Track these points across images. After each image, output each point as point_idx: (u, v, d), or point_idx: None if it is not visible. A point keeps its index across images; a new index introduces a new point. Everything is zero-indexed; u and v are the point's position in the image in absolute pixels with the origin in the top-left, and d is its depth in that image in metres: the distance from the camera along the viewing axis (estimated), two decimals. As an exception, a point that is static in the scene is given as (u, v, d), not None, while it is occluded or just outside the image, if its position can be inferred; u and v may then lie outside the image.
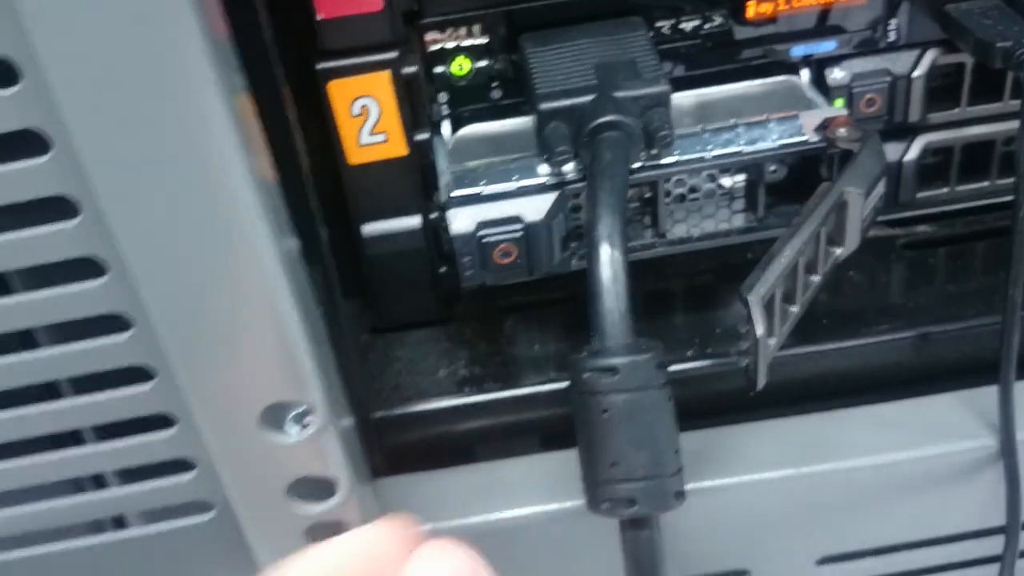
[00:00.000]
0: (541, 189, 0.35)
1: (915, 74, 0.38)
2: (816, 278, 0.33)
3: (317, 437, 0.25)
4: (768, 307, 0.30)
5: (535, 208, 0.35)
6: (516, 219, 0.35)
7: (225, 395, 0.25)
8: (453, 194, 0.35)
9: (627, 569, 0.30)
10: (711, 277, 0.43)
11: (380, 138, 0.36)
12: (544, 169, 0.35)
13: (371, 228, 0.38)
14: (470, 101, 0.38)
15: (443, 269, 0.41)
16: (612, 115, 0.32)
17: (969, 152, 0.40)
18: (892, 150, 0.40)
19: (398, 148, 0.36)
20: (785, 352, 0.38)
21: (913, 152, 0.40)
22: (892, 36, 0.38)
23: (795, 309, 0.32)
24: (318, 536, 0.28)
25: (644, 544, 0.30)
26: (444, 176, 0.36)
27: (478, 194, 0.35)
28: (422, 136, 0.37)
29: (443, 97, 0.37)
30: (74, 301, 0.24)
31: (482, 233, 0.35)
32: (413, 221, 0.38)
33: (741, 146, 0.35)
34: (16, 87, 0.21)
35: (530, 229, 0.35)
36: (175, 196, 0.22)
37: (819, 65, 0.38)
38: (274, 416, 0.25)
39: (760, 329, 0.30)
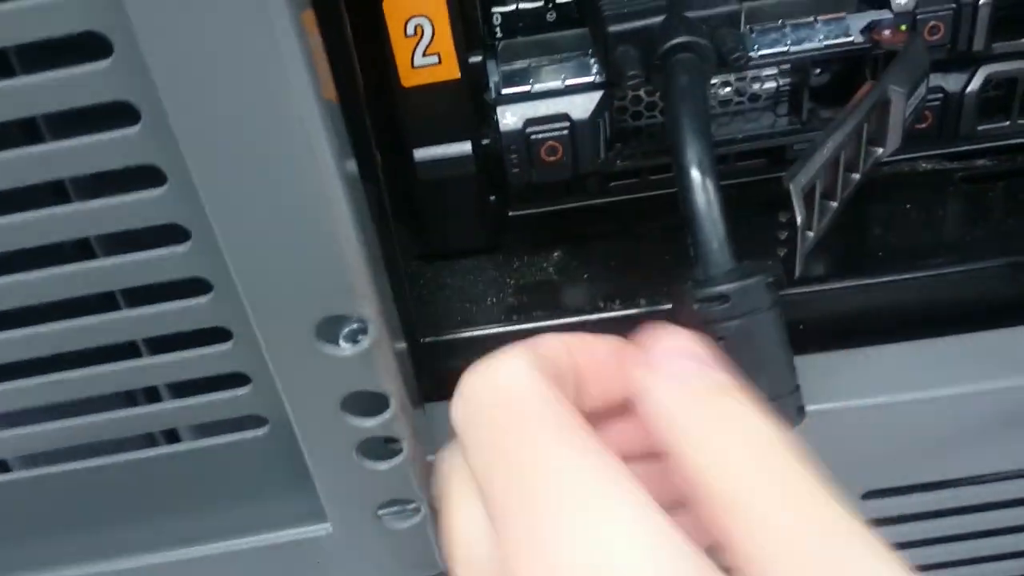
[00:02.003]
0: (588, 88, 0.36)
1: (981, 1, 0.37)
2: (856, 176, 0.33)
3: (371, 352, 0.25)
4: (808, 199, 0.30)
5: (582, 106, 0.36)
6: (563, 116, 0.36)
7: (282, 306, 0.25)
8: (503, 91, 0.36)
9: None
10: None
11: (433, 60, 0.36)
12: (592, 68, 0.35)
13: (423, 153, 0.38)
14: (525, 23, 0.37)
15: (493, 197, 0.41)
16: (685, 36, 0.31)
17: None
18: (954, 80, 0.39)
19: (450, 71, 0.36)
20: (838, 285, 0.38)
21: (975, 83, 0.39)
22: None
23: (834, 204, 0.32)
24: (369, 452, 0.28)
25: None
26: (494, 75, 0.36)
27: (527, 92, 0.36)
28: (475, 59, 0.36)
29: (497, 19, 0.37)
30: (134, 210, 0.24)
31: (530, 130, 0.36)
32: (464, 147, 0.38)
33: (788, 46, 0.35)
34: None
35: (577, 126, 0.36)
36: (241, 108, 0.21)
37: (884, -11, 0.37)
38: (329, 329, 0.25)
39: (800, 217, 0.30)
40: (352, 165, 0.25)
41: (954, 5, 0.37)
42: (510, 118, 0.36)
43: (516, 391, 0.23)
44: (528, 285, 0.41)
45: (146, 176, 0.24)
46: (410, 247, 0.42)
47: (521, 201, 0.43)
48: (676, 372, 0.24)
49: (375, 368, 0.26)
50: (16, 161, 0.24)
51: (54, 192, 0.25)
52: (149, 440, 0.32)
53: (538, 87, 0.36)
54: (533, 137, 0.36)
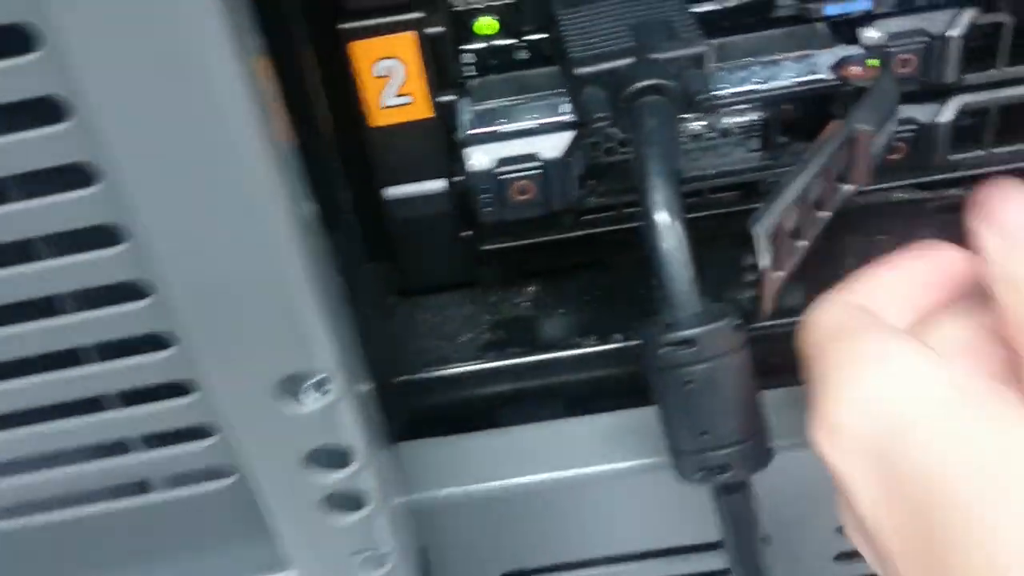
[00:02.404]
0: (560, 127, 0.35)
1: (952, 33, 0.37)
2: (825, 214, 0.33)
3: (333, 407, 0.25)
4: (775, 240, 0.30)
5: (553, 145, 0.35)
6: (534, 156, 0.35)
7: (240, 365, 0.24)
8: (472, 131, 0.35)
9: (726, 531, 0.31)
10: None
11: (405, 100, 0.36)
12: (563, 107, 0.35)
13: (395, 191, 0.38)
14: (496, 61, 0.37)
15: (467, 232, 0.41)
16: (651, 79, 0.31)
17: (1006, 114, 0.39)
18: (926, 111, 0.39)
19: (423, 110, 0.36)
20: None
21: (948, 113, 0.39)
22: (925, -6, 0.36)
23: (803, 244, 0.32)
24: (336, 503, 0.28)
25: (741, 505, 0.31)
26: (464, 113, 0.36)
27: (496, 132, 0.35)
28: (447, 98, 0.36)
29: (468, 58, 0.37)
30: (93, 269, 0.24)
31: (500, 170, 0.35)
32: (437, 184, 0.38)
33: (757, 84, 0.35)
34: (36, 54, 0.20)
35: (548, 166, 0.36)
36: (189, 161, 0.21)
37: (854, 24, 0.37)
38: (290, 385, 0.25)
39: (765, 261, 0.30)
40: (309, 208, 0.25)
41: (925, 38, 0.37)
42: (480, 158, 0.36)
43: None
44: (503, 321, 0.40)
45: (103, 235, 0.24)
46: (385, 283, 0.42)
47: (495, 235, 0.42)
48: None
49: (337, 423, 0.25)
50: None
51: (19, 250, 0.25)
52: (115, 491, 0.32)
53: (508, 127, 0.35)
54: (503, 177, 0.36)
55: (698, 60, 0.32)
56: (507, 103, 0.36)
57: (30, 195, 0.24)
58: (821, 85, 0.35)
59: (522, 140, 0.36)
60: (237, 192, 0.22)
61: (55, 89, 0.21)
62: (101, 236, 0.24)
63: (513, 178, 0.36)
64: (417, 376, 0.39)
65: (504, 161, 0.36)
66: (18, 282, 0.25)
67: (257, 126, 0.21)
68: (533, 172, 0.36)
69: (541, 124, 0.35)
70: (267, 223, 0.22)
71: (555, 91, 0.36)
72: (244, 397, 0.25)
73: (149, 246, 0.23)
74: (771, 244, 0.30)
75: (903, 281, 0.30)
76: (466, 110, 0.36)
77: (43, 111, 0.22)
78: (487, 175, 0.36)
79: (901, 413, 0.25)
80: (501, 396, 0.40)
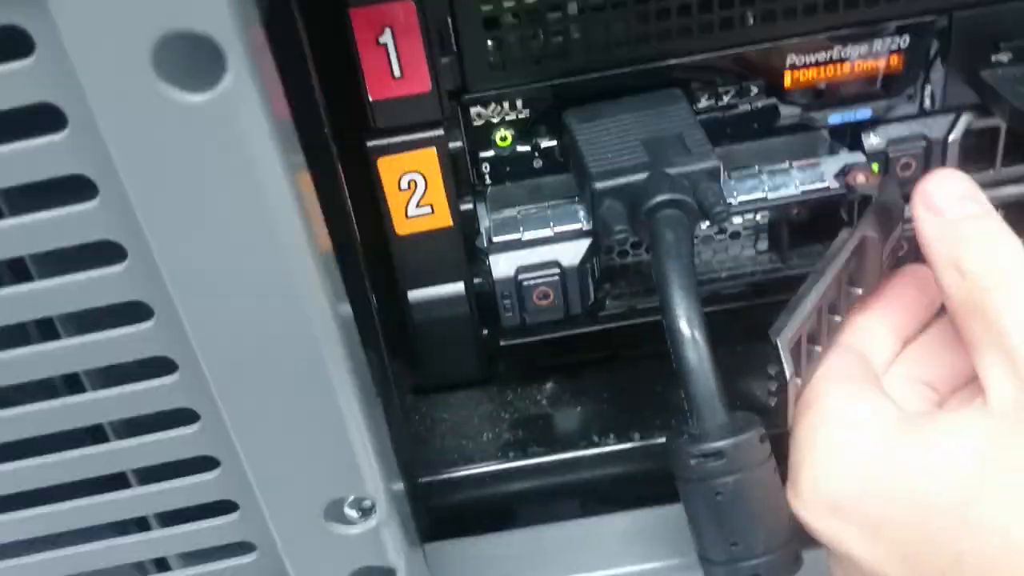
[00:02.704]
0: (577, 235, 0.37)
1: (950, 138, 0.39)
2: (838, 318, 0.34)
3: (378, 529, 0.26)
4: (795, 349, 0.31)
5: (571, 252, 0.37)
6: (554, 263, 0.37)
7: (290, 489, 0.25)
8: (495, 240, 0.37)
9: None
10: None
11: (426, 210, 0.37)
12: (579, 214, 0.37)
13: (417, 295, 0.39)
14: (513, 171, 0.38)
15: (485, 331, 0.42)
16: (668, 193, 0.33)
17: (1004, 211, 0.40)
18: (928, 211, 0.40)
19: (443, 219, 0.37)
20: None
21: (949, 212, 0.40)
22: (927, 102, 0.38)
23: (819, 348, 0.33)
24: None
25: None
26: (484, 221, 0.38)
27: (518, 240, 0.37)
28: (466, 206, 0.38)
29: (486, 168, 0.38)
30: (146, 397, 0.25)
31: (522, 277, 0.37)
32: (457, 287, 0.39)
33: (765, 192, 0.37)
34: (64, 132, 0.21)
35: (567, 273, 0.37)
36: (240, 278, 0.22)
37: (856, 130, 0.39)
38: (336, 507, 0.26)
39: (789, 370, 0.31)
40: (346, 310, 0.26)
41: (924, 143, 0.38)
42: (503, 266, 0.37)
43: None
44: (522, 419, 0.41)
45: (157, 365, 0.25)
46: (405, 381, 0.43)
47: (512, 332, 0.43)
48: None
49: (383, 544, 0.26)
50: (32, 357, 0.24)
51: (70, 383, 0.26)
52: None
53: (528, 235, 0.37)
54: (525, 284, 0.37)
55: (712, 174, 0.34)
56: (525, 211, 0.38)
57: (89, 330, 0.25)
58: (828, 193, 0.37)
59: (542, 248, 0.37)
60: (284, 303, 0.22)
61: (112, 234, 0.22)
62: (157, 366, 0.25)
63: (534, 284, 0.37)
64: (440, 476, 0.40)
65: (525, 268, 0.37)
66: (75, 411, 0.26)
67: (301, 235, 0.22)
68: (553, 279, 0.37)
69: (558, 232, 0.37)
70: (315, 336, 0.23)
71: (569, 199, 0.37)
72: (292, 519, 0.26)
73: (201, 372, 0.24)
74: (791, 354, 0.31)
75: (885, 317, 0.34)
76: (487, 218, 0.38)
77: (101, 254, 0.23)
78: (510, 282, 0.37)
79: (858, 475, 0.29)
80: (522, 494, 0.40)
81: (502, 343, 0.44)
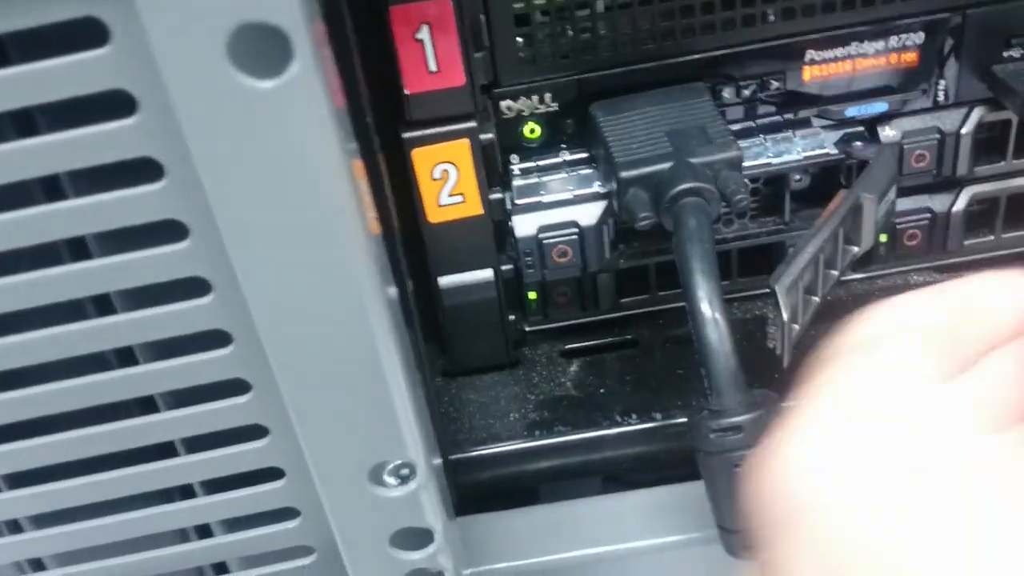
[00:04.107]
0: (593, 197, 0.39)
1: (963, 131, 0.40)
2: (834, 272, 0.36)
3: (418, 492, 0.27)
4: (792, 296, 0.33)
5: (588, 214, 0.40)
6: (572, 223, 0.40)
7: (338, 453, 0.27)
8: (518, 202, 0.39)
9: None
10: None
11: (458, 199, 0.39)
12: (596, 181, 0.39)
13: (447, 280, 0.41)
14: (541, 160, 0.40)
15: (512, 316, 0.43)
16: (691, 182, 0.34)
17: (1013, 202, 0.42)
18: (940, 201, 0.42)
19: (474, 208, 0.39)
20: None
21: (960, 203, 0.42)
22: (941, 95, 0.39)
23: (816, 299, 0.35)
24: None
25: None
26: (509, 191, 0.40)
27: (539, 202, 0.39)
28: (496, 196, 0.39)
29: (515, 159, 0.40)
30: (200, 368, 0.27)
31: (543, 236, 0.40)
32: (486, 274, 0.41)
33: (770, 158, 0.39)
34: (134, 117, 0.23)
35: (584, 232, 0.40)
36: (298, 257, 0.24)
37: (871, 123, 0.40)
38: (379, 471, 0.28)
39: (786, 315, 0.33)
40: (395, 296, 0.27)
41: (938, 136, 0.40)
42: (525, 226, 0.40)
43: None
44: (547, 400, 0.43)
45: (211, 338, 0.27)
46: (434, 365, 0.44)
47: (537, 317, 0.45)
48: None
49: (422, 506, 0.28)
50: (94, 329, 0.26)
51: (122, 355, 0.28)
52: (197, 573, 0.34)
53: (548, 198, 0.39)
54: (546, 242, 0.39)
55: (733, 163, 0.35)
56: (546, 176, 0.40)
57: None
58: (828, 159, 0.39)
59: (561, 209, 0.40)
60: (340, 281, 0.24)
61: (176, 213, 0.24)
62: (213, 339, 0.27)
63: (554, 243, 0.39)
64: (469, 454, 0.41)
65: (546, 228, 0.39)
66: (127, 382, 0.27)
67: (356, 219, 0.24)
68: (571, 237, 0.39)
69: (576, 195, 0.39)
70: (364, 312, 0.25)
71: (587, 166, 0.40)
72: (339, 482, 0.27)
73: (254, 344, 0.25)
74: (789, 299, 0.32)
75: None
76: (513, 185, 0.40)
77: (166, 232, 0.25)
78: (532, 240, 0.40)
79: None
80: (547, 472, 0.42)
81: (527, 329, 0.45)
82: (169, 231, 0.25)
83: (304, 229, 0.23)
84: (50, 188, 0.25)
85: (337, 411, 0.26)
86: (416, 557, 0.29)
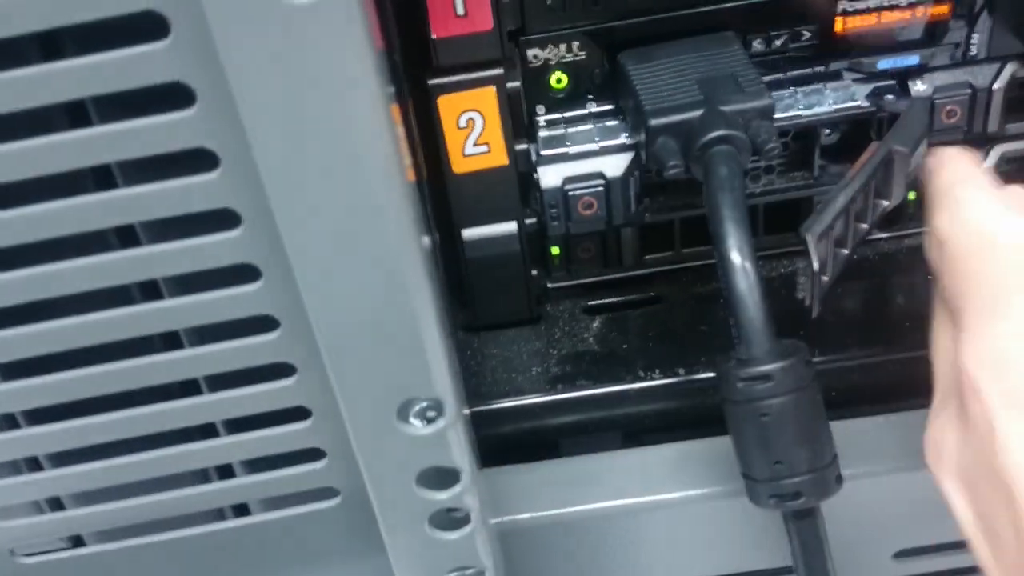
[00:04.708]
0: (620, 149, 0.39)
1: (995, 87, 0.39)
2: (864, 226, 0.35)
3: (445, 431, 0.27)
4: (822, 247, 0.33)
5: (615, 165, 0.39)
6: (598, 175, 0.39)
7: (367, 390, 0.27)
8: (543, 153, 0.39)
9: (796, 556, 0.33)
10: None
11: (483, 148, 0.38)
12: (623, 132, 0.39)
13: (471, 232, 0.41)
14: (567, 112, 0.40)
15: (535, 272, 0.43)
16: (722, 130, 0.34)
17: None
18: (970, 159, 0.41)
19: (499, 158, 0.39)
20: (870, 359, 0.40)
21: (990, 161, 0.41)
22: (973, 50, 0.39)
23: (846, 252, 0.35)
24: (439, 522, 0.30)
25: (811, 531, 0.32)
26: (535, 143, 0.40)
27: (565, 153, 0.39)
28: (521, 146, 0.39)
29: (541, 109, 0.39)
30: (231, 303, 0.27)
31: (568, 187, 0.39)
32: (510, 226, 0.41)
33: (800, 110, 0.38)
34: (192, 109, 0.23)
35: (610, 184, 0.39)
36: (336, 198, 0.24)
37: (903, 77, 0.39)
38: (405, 410, 0.27)
39: (816, 264, 0.32)
40: (427, 242, 0.27)
41: (969, 91, 0.39)
42: (550, 177, 0.39)
43: None
44: (570, 355, 0.43)
45: (242, 272, 0.26)
46: (456, 319, 0.44)
47: (560, 274, 0.45)
48: None
49: (449, 445, 0.28)
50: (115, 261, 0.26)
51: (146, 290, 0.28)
52: (219, 513, 0.34)
53: (575, 149, 0.39)
54: (571, 194, 0.39)
55: (765, 112, 0.35)
56: (572, 127, 0.40)
57: (173, 237, 0.26)
58: (859, 112, 0.39)
59: (587, 161, 0.39)
60: (375, 221, 0.24)
61: (206, 142, 0.24)
62: (241, 273, 0.26)
63: (580, 194, 0.39)
64: (491, 407, 0.41)
65: (571, 179, 0.39)
66: (149, 316, 0.27)
67: (397, 164, 0.24)
68: (597, 189, 0.39)
69: (603, 147, 0.39)
70: (401, 255, 0.24)
71: (614, 118, 0.39)
72: (368, 420, 0.27)
73: (289, 279, 0.25)
74: (819, 249, 0.32)
75: None
76: (538, 136, 0.39)
77: (195, 161, 0.25)
78: (557, 191, 0.39)
79: None
80: (569, 427, 0.42)
81: (550, 285, 0.45)
82: (200, 159, 0.25)
83: (342, 166, 0.23)
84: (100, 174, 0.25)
85: (368, 347, 0.26)
86: (443, 497, 0.29)
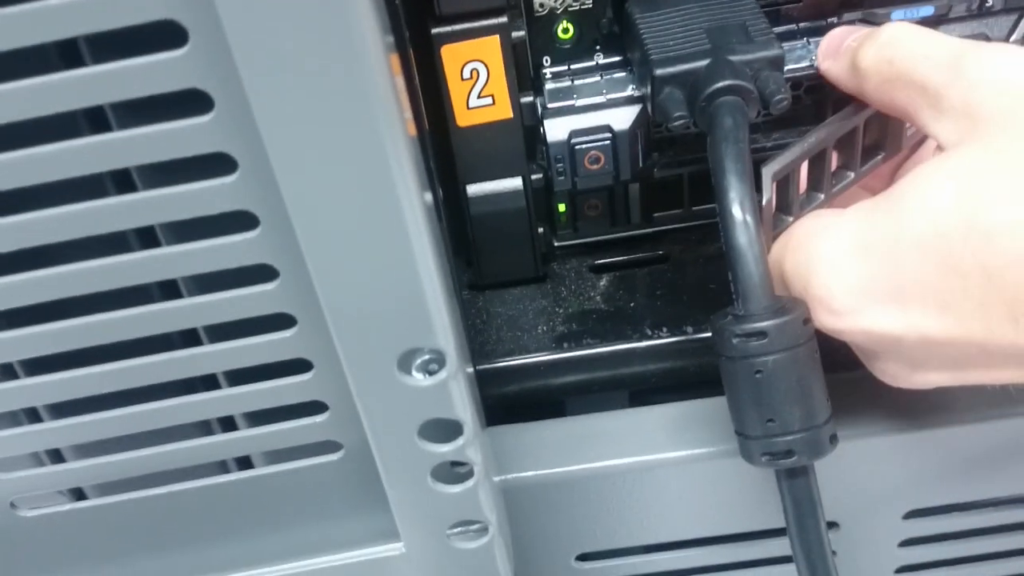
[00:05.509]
0: (628, 101, 0.38)
1: (1011, 38, 0.38)
2: (850, 174, 0.35)
3: (447, 382, 0.27)
4: (782, 184, 0.32)
5: (622, 118, 0.38)
6: (605, 128, 0.38)
7: (367, 340, 0.26)
8: (549, 106, 0.38)
9: (788, 514, 0.32)
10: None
11: (487, 100, 0.37)
12: (631, 84, 0.38)
13: (476, 188, 0.40)
14: (573, 64, 0.39)
15: (540, 229, 0.42)
16: (729, 79, 0.33)
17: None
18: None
19: (503, 111, 0.38)
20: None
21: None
22: (990, 1, 0.38)
23: (820, 196, 0.34)
24: (441, 476, 0.30)
25: (803, 490, 0.32)
26: (540, 96, 0.39)
27: (571, 106, 0.38)
28: (527, 99, 0.38)
29: (547, 61, 0.39)
30: (227, 252, 0.26)
31: (575, 141, 0.38)
32: (515, 182, 0.40)
33: (813, 61, 0.37)
34: (185, 48, 0.22)
35: (617, 137, 0.38)
36: (335, 149, 0.23)
37: (917, 28, 0.38)
38: (407, 361, 0.27)
39: (766, 197, 0.32)
40: (430, 198, 0.27)
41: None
42: (556, 130, 0.38)
43: None
44: (576, 314, 0.42)
45: (240, 220, 0.26)
46: (461, 277, 0.44)
47: (566, 232, 0.44)
48: None
49: (451, 397, 0.27)
50: (113, 208, 0.26)
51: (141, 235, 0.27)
52: (222, 466, 0.34)
53: (581, 101, 0.38)
54: (578, 148, 0.38)
55: (774, 62, 0.34)
56: (579, 79, 0.39)
57: (172, 182, 0.26)
58: None
59: (594, 113, 0.38)
60: (377, 178, 0.23)
61: (200, 84, 0.23)
62: (239, 221, 0.26)
63: (586, 148, 0.38)
64: (496, 365, 0.41)
65: (578, 132, 0.38)
66: (149, 265, 0.27)
67: (398, 117, 0.23)
68: (604, 143, 0.38)
69: (610, 99, 0.38)
70: (401, 207, 0.24)
71: (621, 69, 0.39)
72: (368, 371, 0.27)
73: (287, 228, 0.25)
74: (774, 185, 0.32)
75: None
76: (544, 89, 0.39)
77: (191, 102, 0.24)
78: (563, 145, 0.38)
79: (860, 255, 0.30)
80: (575, 385, 0.41)
81: (556, 244, 0.45)
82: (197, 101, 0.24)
83: (339, 117, 0.22)
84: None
85: (368, 296, 0.25)
86: (445, 449, 0.28)
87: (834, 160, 0.34)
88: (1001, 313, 0.27)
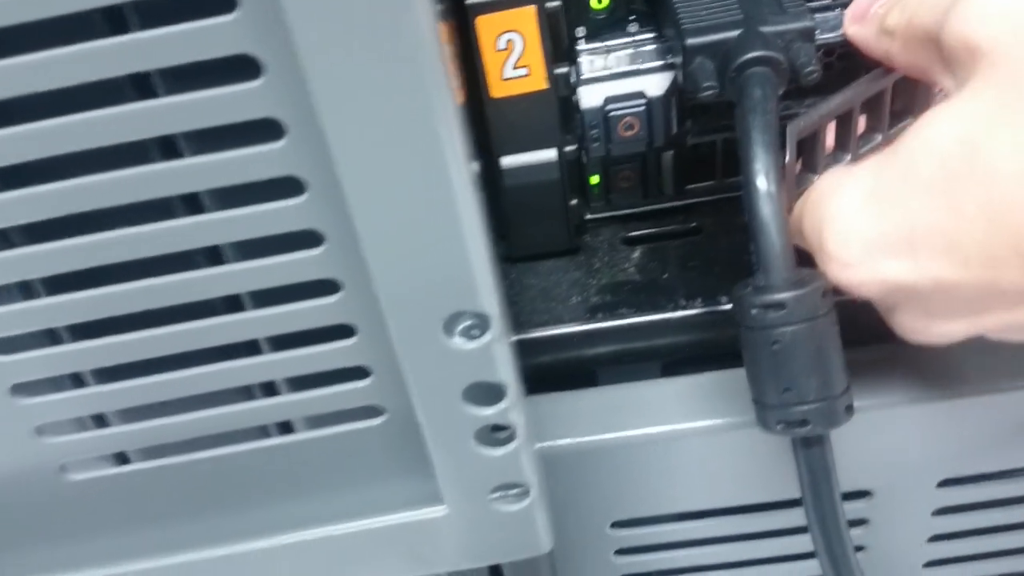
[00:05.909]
0: (662, 68, 0.39)
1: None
2: (879, 137, 0.35)
3: (491, 345, 0.27)
4: (808, 142, 0.33)
5: (657, 84, 0.39)
6: (639, 94, 0.39)
7: (413, 303, 0.27)
8: (583, 76, 0.39)
9: (803, 483, 0.32)
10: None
11: (522, 72, 0.38)
12: (666, 53, 0.38)
13: (510, 160, 0.40)
14: (607, 35, 0.39)
15: (574, 201, 0.43)
16: (760, 50, 0.33)
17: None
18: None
19: (538, 82, 0.38)
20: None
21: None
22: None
23: (848, 157, 0.34)
24: (484, 439, 0.30)
25: (818, 459, 0.32)
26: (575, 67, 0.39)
27: (606, 74, 0.39)
28: (561, 70, 0.38)
29: (581, 31, 0.39)
30: (274, 217, 0.27)
31: (609, 107, 0.39)
32: (550, 154, 0.40)
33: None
34: (235, 13, 0.23)
35: (652, 103, 0.39)
36: (388, 114, 0.23)
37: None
38: (452, 325, 0.27)
39: (789, 156, 0.32)
40: (475, 167, 0.27)
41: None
42: (591, 96, 0.39)
43: None
44: (610, 285, 0.42)
45: (285, 186, 0.26)
46: (495, 249, 0.44)
47: (599, 204, 0.44)
48: None
49: (495, 361, 0.28)
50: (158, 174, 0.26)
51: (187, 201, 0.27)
52: (263, 431, 0.34)
53: (616, 69, 0.39)
54: (612, 114, 0.39)
55: (806, 34, 0.34)
56: (613, 46, 0.39)
57: (214, 149, 0.26)
58: None
59: (628, 80, 0.39)
60: (427, 145, 0.24)
61: (251, 48, 0.24)
62: (284, 187, 0.26)
63: (621, 114, 0.39)
64: (530, 335, 0.41)
65: (612, 99, 0.39)
66: (189, 233, 0.27)
67: (446, 84, 0.23)
68: (638, 109, 0.39)
69: (644, 67, 0.39)
70: (450, 173, 0.24)
71: (655, 40, 0.39)
72: (414, 335, 0.27)
73: (335, 195, 0.25)
74: (796, 142, 0.32)
75: None
76: (578, 60, 0.39)
77: (239, 68, 0.24)
78: (597, 112, 0.39)
79: (870, 208, 0.29)
80: (609, 356, 0.42)
81: (589, 216, 0.45)
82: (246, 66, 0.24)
83: (390, 82, 0.23)
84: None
85: (416, 260, 0.26)
86: (488, 412, 0.29)
87: (862, 123, 0.35)
88: (1007, 254, 0.27)
